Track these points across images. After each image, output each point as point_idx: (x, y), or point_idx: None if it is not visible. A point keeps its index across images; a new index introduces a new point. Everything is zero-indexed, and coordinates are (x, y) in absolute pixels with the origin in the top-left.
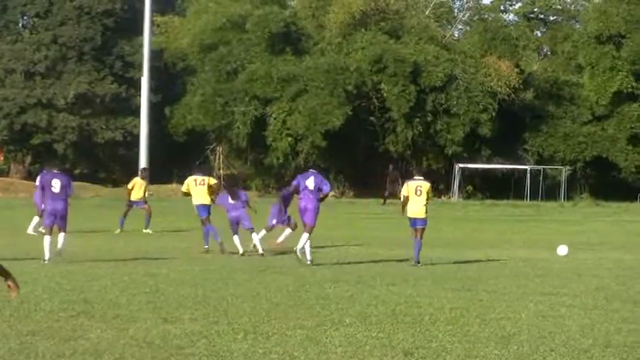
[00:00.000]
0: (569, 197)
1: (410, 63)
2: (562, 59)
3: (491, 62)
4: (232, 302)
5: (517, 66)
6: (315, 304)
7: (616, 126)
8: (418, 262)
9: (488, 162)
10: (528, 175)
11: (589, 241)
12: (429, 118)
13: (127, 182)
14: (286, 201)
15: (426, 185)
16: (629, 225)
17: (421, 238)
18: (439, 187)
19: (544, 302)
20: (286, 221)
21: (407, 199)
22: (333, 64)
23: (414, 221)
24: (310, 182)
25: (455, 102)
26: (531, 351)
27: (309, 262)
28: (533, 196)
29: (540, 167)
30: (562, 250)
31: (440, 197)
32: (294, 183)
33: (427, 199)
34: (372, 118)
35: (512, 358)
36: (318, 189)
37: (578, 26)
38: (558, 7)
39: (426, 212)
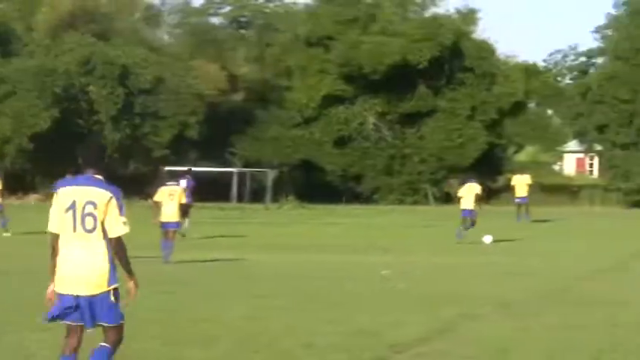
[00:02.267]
0: (275, 200)
1: (118, 65)
2: (272, 62)
3: (199, 65)
4: None
5: (225, 69)
6: None
7: (323, 129)
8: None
9: (196, 165)
10: (235, 178)
11: (293, 243)
12: (137, 121)
13: None
14: None
15: (177, 189)
16: (331, 227)
17: (173, 239)
18: (145, 190)
19: (248, 304)
20: None
21: (160, 204)
22: (41, 65)
23: (167, 224)
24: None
25: (163, 105)
26: (235, 352)
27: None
28: (240, 199)
29: (247, 170)
30: (487, 239)
31: (147, 200)
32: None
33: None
34: (80, 120)
35: None
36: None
37: (287, 30)
38: (267, 10)
39: (179, 215)
